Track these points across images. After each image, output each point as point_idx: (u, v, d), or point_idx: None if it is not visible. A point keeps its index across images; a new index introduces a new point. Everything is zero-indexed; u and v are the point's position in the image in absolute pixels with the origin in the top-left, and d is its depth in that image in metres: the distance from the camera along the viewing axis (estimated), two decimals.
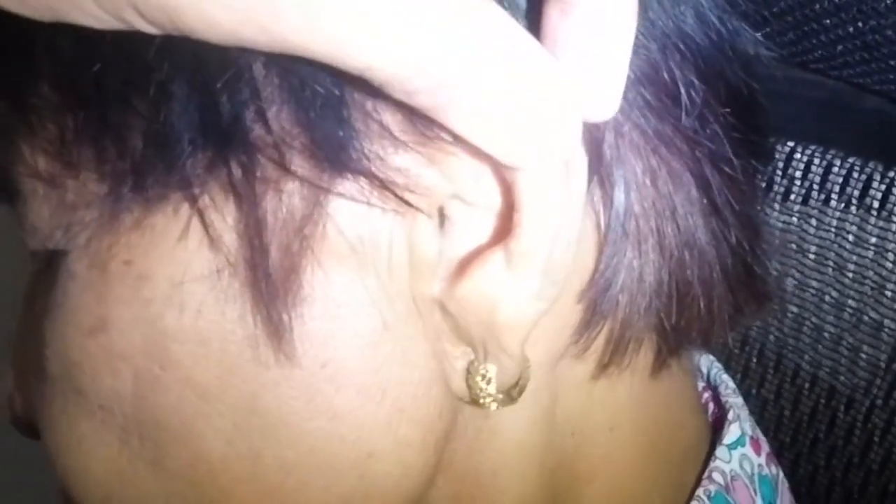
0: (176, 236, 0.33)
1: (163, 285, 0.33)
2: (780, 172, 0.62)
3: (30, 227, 0.35)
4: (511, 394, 0.36)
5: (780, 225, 0.63)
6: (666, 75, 0.35)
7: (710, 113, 0.36)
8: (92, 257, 0.34)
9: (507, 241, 0.31)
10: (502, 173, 0.31)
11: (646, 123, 0.34)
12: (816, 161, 0.61)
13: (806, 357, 0.64)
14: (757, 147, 0.40)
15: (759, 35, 0.40)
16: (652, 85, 0.34)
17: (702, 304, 0.38)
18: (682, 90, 0.35)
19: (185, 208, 0.32)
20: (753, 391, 0.67)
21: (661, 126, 0.35)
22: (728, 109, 0.37)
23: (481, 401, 0.35)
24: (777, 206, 0.63)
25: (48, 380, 0.37)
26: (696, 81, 0.36)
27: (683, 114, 0.35)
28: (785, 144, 0.62)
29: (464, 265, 0.33)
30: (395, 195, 0.31)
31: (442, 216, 0.33)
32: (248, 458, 0.35)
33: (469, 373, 0.35)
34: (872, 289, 0.59)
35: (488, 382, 0.35)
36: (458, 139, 0.30)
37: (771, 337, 0.65)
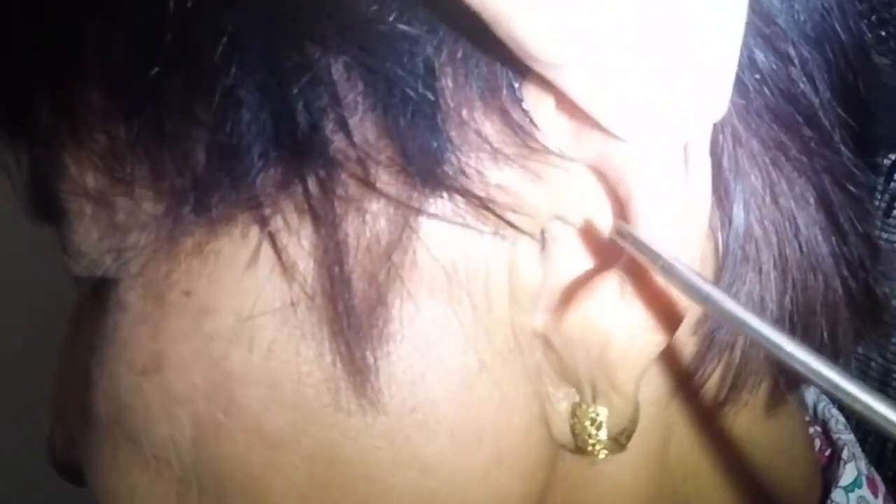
0: (244, 263, 0.30)
1: (228, 319, 0.30)
2: (881, 185, 0.58)
3: (75, 251, 0.33)
4: (620, 440, 0.33)
5: (882, 243, 0.58)
6: (790, 78, 0.32)
7: (834, 123, 0.34)
8: (147, 286, 0.31)
9: (621, 264, 0.29)
10: (614, 188, 0.29)
11: (766, 132, 0.32)
12: None
13: None
14: (870, 161, 0.37)
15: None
16: (776, 89, 0.32)
17: (825, 333, 0.35)
18: (806, 97, 0.33)
19: (255, 231, 0.30)
20: (853, 421, 0.63)
21: (783, 136, 0.32)
22: (850, 118, 0.34)
23: (589, 448, 0.32)
24: (878, 223, 0.58)
25: (96, 423, 0.35)
26: (822, 87, 0.33)
27: (805, 125, 0.33)
28: (886, 157, 0.58)
29: (570, 294, 0.30)
30: (496, 215, 0.29)
31: (544, 240, 0.30)
32: None
33: (576, 416, 0.32)
34: None
35: (598, 428, 0.32)
36: (564, 149, 0.28)
37: (873, 364, 0.61)
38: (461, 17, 0.25)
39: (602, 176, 0.29)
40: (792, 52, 0.32)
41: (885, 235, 0.59)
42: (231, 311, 0.30)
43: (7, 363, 1.02)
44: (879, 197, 0.58)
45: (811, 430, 0.48)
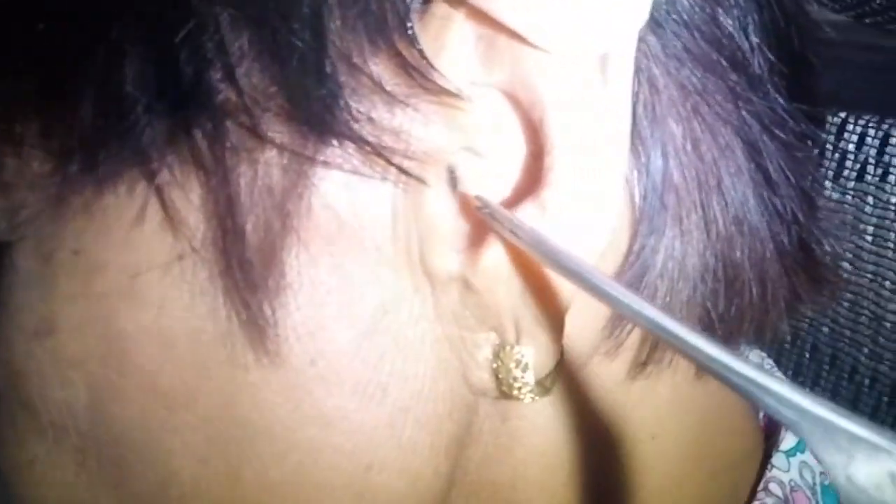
0: (131, 219, 0.29)
1: (118, 277, 0.30)
2: (831, 146, 0.59)
3: None
4: (545, 383, 0.32)
5: (832, 204, 0.59)
6: (716, 21, 0.32)
7: (764, 70, 0.33)
8: (36, 247, 0.31)
9: (539, 191, 0.28)
10: (527, 113, 0.28)
11: (687, 77, 0.31)
12: (871, 132, 0.57)
13: (865, 350, 0.60)
14: (811, 112, 0.36)
15: None
16: (699, 31, 0.31)
17: (754, 290, 0.35)
18: (735, 41, 0.32)
19: (142, 186, 0.29)
20: (807, 389, 0.62)
21: (705, 81, 0.32)
22: (782, 66, 0.34)
23: (515, 392, 0.32)
24: (829, 184, 0.59)
25: None
26: (750, 31, 0.33)
27: (731, 70, 0.32)
28: (836, 115, 0.59)
29: (487, 229, 0.30)
30: (388, 161, 0.28)
31: (454, 176, 0.29)
32: (225, 478, 0.31)
33: (499, 360, 0.32)
34: None
35: (524, 370, 0.31)
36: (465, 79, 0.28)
37: (825, 329, 0.62)
38: None
39: (515, 101, 0.29)
40: None
41: (835, 196, 0.59)
42: (120, 269, 0.30)
43: None
44: (829, 156, 0.58)
45: None
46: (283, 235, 0.29)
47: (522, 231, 0.27)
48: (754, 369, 0.21)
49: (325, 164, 0.28)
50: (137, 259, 0.30)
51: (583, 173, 0.28)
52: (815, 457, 0.20)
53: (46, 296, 0.31)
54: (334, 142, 0.28)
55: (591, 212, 0.29)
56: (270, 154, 0.28)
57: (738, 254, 0.33)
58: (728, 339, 0.36)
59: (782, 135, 0.34)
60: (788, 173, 0.34)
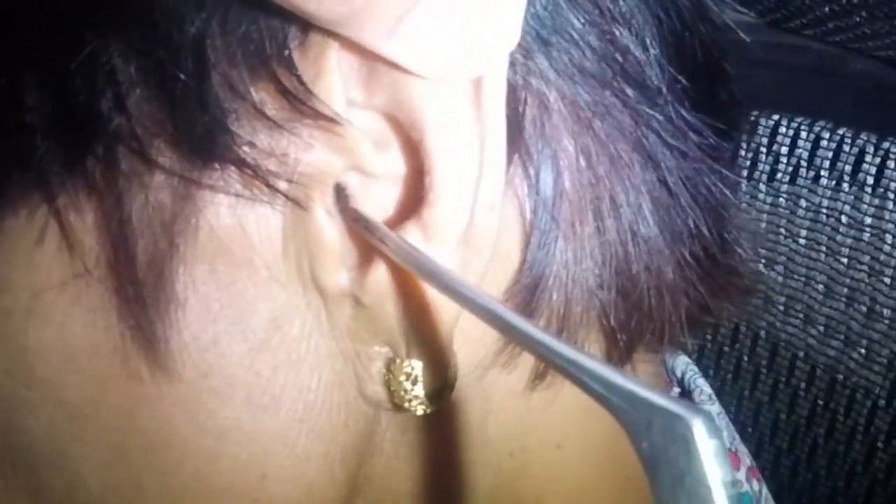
0: (33, 241, 0.31)
1: (22, 295, 0.31)
2: (764, 149, 0.60)
3: None
4: (442, 395, 0.33)
5: (766, 207, 0.61)
6: (612, 38, 0.32)
7: (664, 81, 0.34)
8: None
9: (420, 210, 0.29)
10: (407, 134, 0.29)
11: (579, 94, 0.32)
12: (803, 134, 0.58)
13: (800, 353, 0.61)
14: (724, 120, 0.37)
15: None
16: (590, 48, 0.32)
17: (652, 301, 0.35)
18: (631, 56, 0.33)
19: (43, 210, 0.30)
20: (747, 392, 0.65)
21: (599, 96, 0.32)
22: (686, 78, 0.34)
23: (406, 405, 0.33)
24: (763, 187, 0.61)
25: None
26: (649, 45, 0.33)
27: (626, 84, 0.33)
28: (769, 118, 0.60)
29: (374, 247, 0.31)
30: (270, 185, 0.29)
31: (344, 195, 0.30)
32: (128, 485, 0.33)
33: (390, 373, 0.33)
34: (869, 275, 0.57)
35: (414, 383, 0.32)
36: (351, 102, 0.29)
37: (762, 331, 0.63)
38: None
39: (396, 123, 0.30)
40: (619, 12, 0.32)
41: (769, 199, 0.60)
42: (24, 288, 0.31)
43: None
44: (763, 160, 0.60)
45: None
46: (172, 256, 0.30)
47: (402, 250, 0.28)
48: (573, 351, 0.23)
49: (211, 187, 0.29)
50: (39, 278, 0.31)
51: (461, 192, 0.29)
52: (622, 426, 0.21)
53: None
54: (218, 166, 0.29)
55: (470, 229, 0.30)
56: (160, 178, 0.29)
57: (634, 266, 0.34)
58: (629, 346, 0.37)
59: (682, 146, 0.34)
60: (689, 185, 0.35)
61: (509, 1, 0.27)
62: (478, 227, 0.30)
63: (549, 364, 0.25)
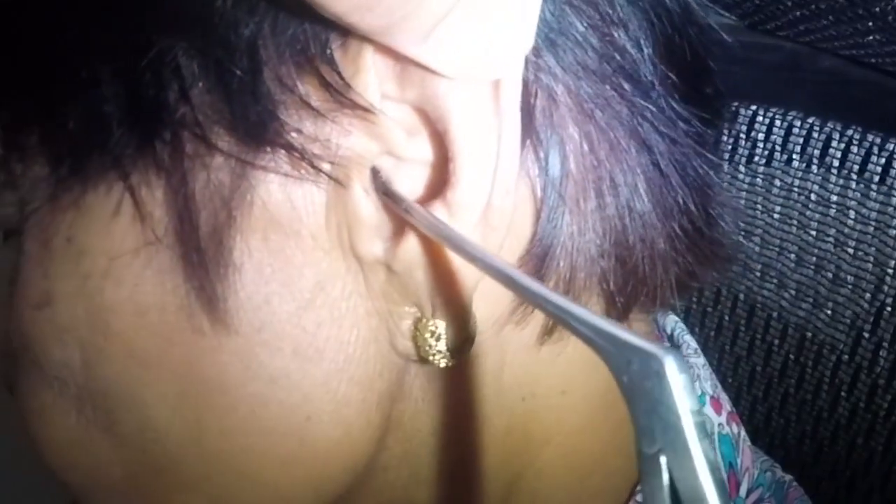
0: (110, 213, 0.33)
1: (100, 260, 0.33)
2: (743, 135, 0.61)
3: None
4: (462, 350, 0.35)
5: (745, 186, 0.62)
6: (610, 39, 0.34)
7: (656, 77, 0.36)
8: (38, 235, 0.34)
9: (445, 192, 0.31)
10: (434, 125, 0.31)
11: (582, 87, 0.34)
12: (778, 123, 0.60)
13: (774, 313, 0.63)
14: (709, 111, 0.39)
15: (706, 0, 0.39)
16: (591, 48, 0.34)
17: (646, 268, 0.37)
18: (628, 55, 0.35)
19: (119, 186, 0.33)
20: (727, 347, 0.66)
21: (600, 90, 0.34)
22: (675, 74, 0.36)
23: (430, 358, 0.35)
24: (742, 169, 0.62)
25: (13, 351, 0.38)
26: (643, 45, 0.35)
27: (624, 79, 0.35)
28: (748, 108, 0.62)
29: (405, 221, 0.33)
30: (315, 166, 0.31)
31: (378, 176, 0.32)
32: (190, 424, 0.35)
33: (417, 331, 0.35)
34: (835, 246, 0.59)
35: (438, 339, 0.34)
36: (385, 95, 0.31)
37: (741, 294, 0.65)
38: None
39: (425, 115, 0.31)
40: (617, 17, 0.34)
41: (748, 179, 0.61)
42: (102, 253, 0.33)
43: None
44: (742, 144, 0.61)
45: None
46: (230, 226, 0.32)
47: (430, 224, 0.30)
48: (571, 304, 0.25)
49: (264, 168, 0.31)
50: (114, 245, 0.33)
51: (480, 177, 0.31)
52: (606, 364, 0.23)
53: (45, 274, 0.34)
54: (269, 149, 0.31)
55: (488, 208, 0.31)
56: (219, 160, 0.32)
57: (630, 237, 0.36)
58: (626, 308, 0.39)
59: (673, 134, 0.36)
60: (678, 167, 0.36)
61: (524, 13, 0.29)
62: (495, 207, 0.31)
63: (553, 317, 0.26)
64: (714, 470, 0.21)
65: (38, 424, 0.38)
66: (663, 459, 0.21)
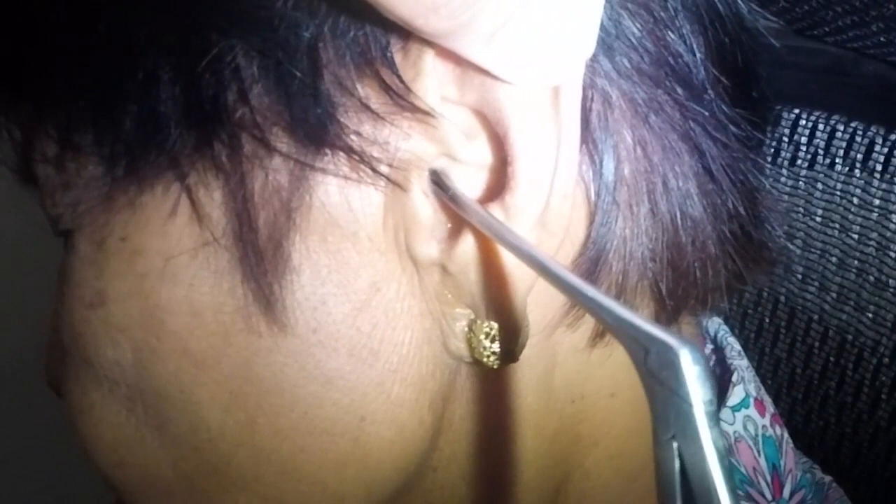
0: (166, 213, 0.33)
1: (155, 259, 0.33)
2: (786, 139, 0.61)
3: (46, 209, 0.36)
4: (515, 351, 0.35)
5: (787, 189, 0.61)
6: (664, 43, 0.34)
7: (708, 81, 0.36)
8: (91, 235, 0.34)
9: (503, 195, 0.31)
10: (494, 129, 0.31)
11: (636, 92, 0.34)
12: (821, 126, 0.59)
13: (815, 316, 0.62)
14: (756, 115, 0.38)
15: (754, 4, 0.39)
16: (646, 53, 0.34)
17: (697, 272, 0.37)
18: (681, 59, 0.34)
19: (176, 187, 0.32)
20: (767, 350, 0.66)
21: (653, 94, 0.34)
22: (726, 78, 0.36)
23: (484, 359, 0.34)
24: (785, 172, 0.61)
25: (61, 348, 0.38)
26: (696, 50, 0.35)
27: (677, 83, 0.34)
28: (791, 111, 0.61)
29: (461, 224, 0.32)
30: (374, 169, 0.31)
31: (436, 178, 0.32)
32: (244, 424, 0.35)
33: (471, 332, 0.34)
34: (877, 249, 0.58)
35: (492, 340, 0.34)
36: (444, 98, 0.30)
37: (782, 297, 0.64)
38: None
39: (484, 119, 0.31)
40: (671, 21, 0.34)
41: (790, 182, 0.61)
42: (157, 253, 0.33)
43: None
44: (785, 148, 0.60)
45: (712, 357, 0.50)
46: (289, 228, 0.32)
47: (488, 224, 0.30)
48: (597, 293, 0.25)
49: (323, 170, 0.31)
50: (171, 245, 0.33)
51: (538, 182, 0.30)
52: (628, 353, 0.24)
53: (99, 274, 0.34)
54: (328, 152, 0.31)
55: (545, 213, 0.31)
56: (278, 161, 0.31)
57: (682, 241, 0.35)
58: (676, 311, 0.38)
59: (724, 138, 0.36)
60: (729, 171, 0.36)
61: (586, 20, 0.28)
62: (552, 212, 0.31)
63: (583, 307, 0.27)
64: (723, 458, 0.21)
65: (85, 422, 0.38)
66: (675, 445, 0.22)
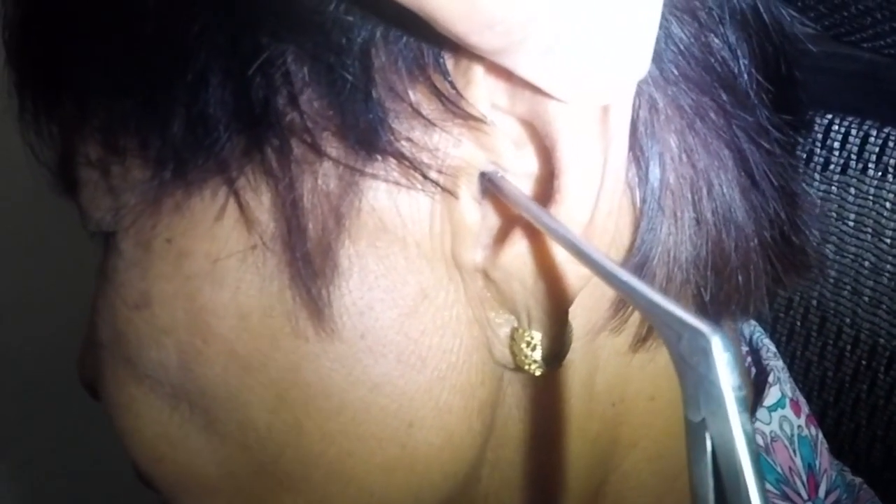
0: (214, 216, 0.32)
1: (202, 262, 0.32)
2: (819, 144, 0.59)
3: (86, 212, 0.35)
4: (557, 359, 0.34)
5: (820, 194, 0.60)
6: (710, 49, 0.33)
7: (752, 87, 0.35)
8: (137, 237, 0.33)
9: (549, 206, 0.30)
10: (542, 140, 0.30)
11: (683, 98, 0.33)
12: (854, 132, 0.58)
13: (847, 320, 0.61)
14: (795, 120, 0.37)
15: (792, 10, 0.38)
16: (693, 59, 0.33)
17: (740, 277, 0.36)
18: (726, 65, 0.34)
19: (224, 190, 0.31)
20: (798, 353, 0.64)
21: (700, 100, 0.33)
22: (768, 84, 0.35)
23: (526, 367, 0.34)
24: (817, 176, 0.60)
25: (100, 345, 0.37)
26: (740, 56, 0.34)
27: (722, 89, 0.34)
28: (824, 117, 0.59)
29: (506, 232, 0.32)
30: (424, 175, 0.30)
31: (483, 186, 0.31)
32: (291, 427, 0.34)
33: (513, 339, 0.34)
34: None
35: (533, 349, 0.33)
36: (494, 106, 0.30)
37: (814, 301, 0.62)
38: (393, 6, 0.26)
39: (533, 130, 0.31)
40: (717, 28, 0.33)
41: (822, 187, 0.60)
42: (204, 255, 0.32)
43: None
44: (818, 153, 0.59)
45: (748, 359, 0.49)
46: (338, 233, 0.31)
47: (548, 224, 0.29)
48: (632, 278, 0.25)
49: (373, 175, 0.30)
50: (218, 248, 0.32)
51: (584, 196, 0.30)
52: (662, 339, 0.23)
53: (144, 275, 0.33)
54: (379, 157, 0.30)
55: (590, 227, 0.30)
56: (327, 166, 0.30)
57: (726, 247, 0.35)
58: (718, 316, 0.37)
59: (766, 144, 0.35)
60: (772, 176, 0.35)
61: (639, 41, 0.27)
62: (596, 227, 0.30)
63: (621, 293, 0.27)
64: (751, 442, 0.22)
65: (124, 418, 0.37)
66: (706, 427, 0.22)
